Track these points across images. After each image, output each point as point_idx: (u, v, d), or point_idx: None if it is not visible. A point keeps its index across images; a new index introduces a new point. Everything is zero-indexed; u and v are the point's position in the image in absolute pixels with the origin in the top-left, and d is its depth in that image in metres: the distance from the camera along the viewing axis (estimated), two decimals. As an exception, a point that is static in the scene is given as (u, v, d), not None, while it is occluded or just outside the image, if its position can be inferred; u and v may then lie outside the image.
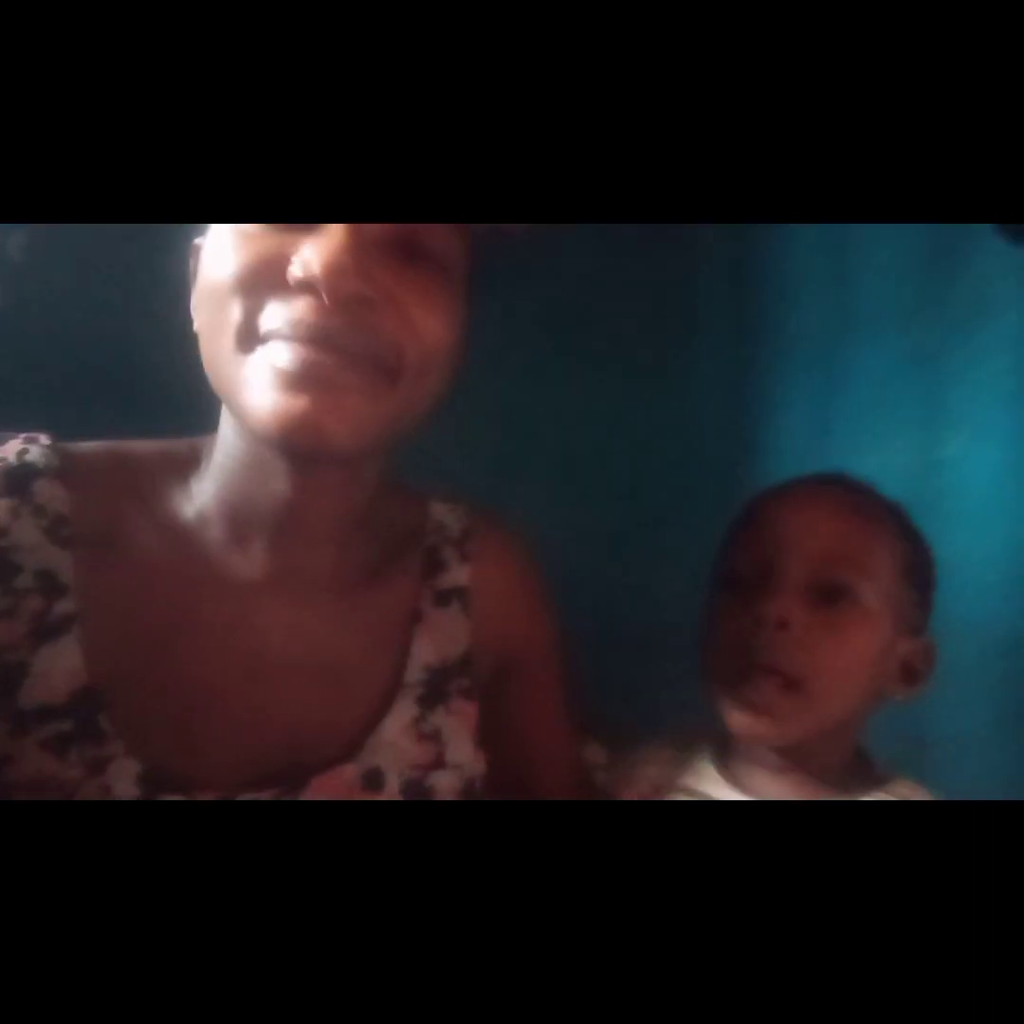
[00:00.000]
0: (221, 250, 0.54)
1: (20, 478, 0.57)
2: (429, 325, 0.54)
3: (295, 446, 0.52)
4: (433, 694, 0.63)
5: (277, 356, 0.51)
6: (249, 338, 0.53)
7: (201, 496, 0.61)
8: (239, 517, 0.60)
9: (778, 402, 1.23)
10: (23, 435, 0.60)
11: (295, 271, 0.51)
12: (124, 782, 0.53)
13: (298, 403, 0.51)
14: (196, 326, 0.58)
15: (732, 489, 1.26)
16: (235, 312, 0.52)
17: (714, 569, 0.73)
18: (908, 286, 1.11)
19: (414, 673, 0.63)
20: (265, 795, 0.56)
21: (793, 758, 0.69)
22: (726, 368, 1.26)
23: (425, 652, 0.64)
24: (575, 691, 0.75)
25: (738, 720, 0.67)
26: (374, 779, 0.59)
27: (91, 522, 0.58)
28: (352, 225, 0.52)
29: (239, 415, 0.54)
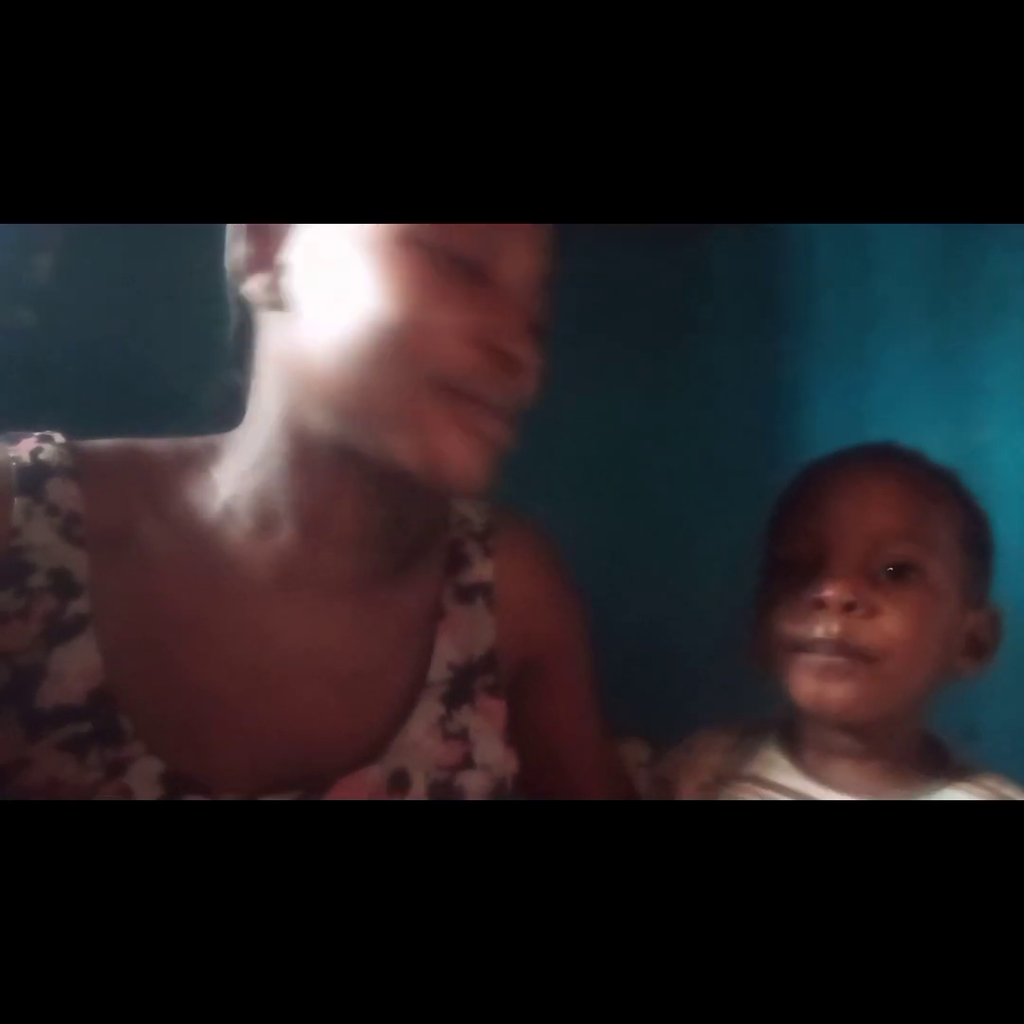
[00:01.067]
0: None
1: (34, 477, 0.57)
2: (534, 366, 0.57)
3: (440, 482, 0.55)
4: (458, 692, 0.63)
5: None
6: (446, 385, 0.55)
7: (227, 487, 0.60)
8: (271, 511, 0.59)
9: (806, 398, 1.21)
10: (37, 434, 0.60)
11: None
12: (146, 783, 0.52)
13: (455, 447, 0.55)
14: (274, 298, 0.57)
15: (762, 486, 1.25)
16: (441, 353, 0.54)
17: (766, 550, 0.70)
18: (932, 279, 1.10)
19: (438, 671, 0.63)
20: (287, 796, 0.55)
21: (865, 741, 0.66)
22: (753, 365, 1.25)
23: (449, 649, 0.64)
24: (602, 692, 0.75)
25: (808, 688, 0.64)
26: (400, 780, 0.58)
27: (105, 521, 0.58)
28: None
29: (374, 438, 0.56)
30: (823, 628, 0.63)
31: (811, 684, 0.63)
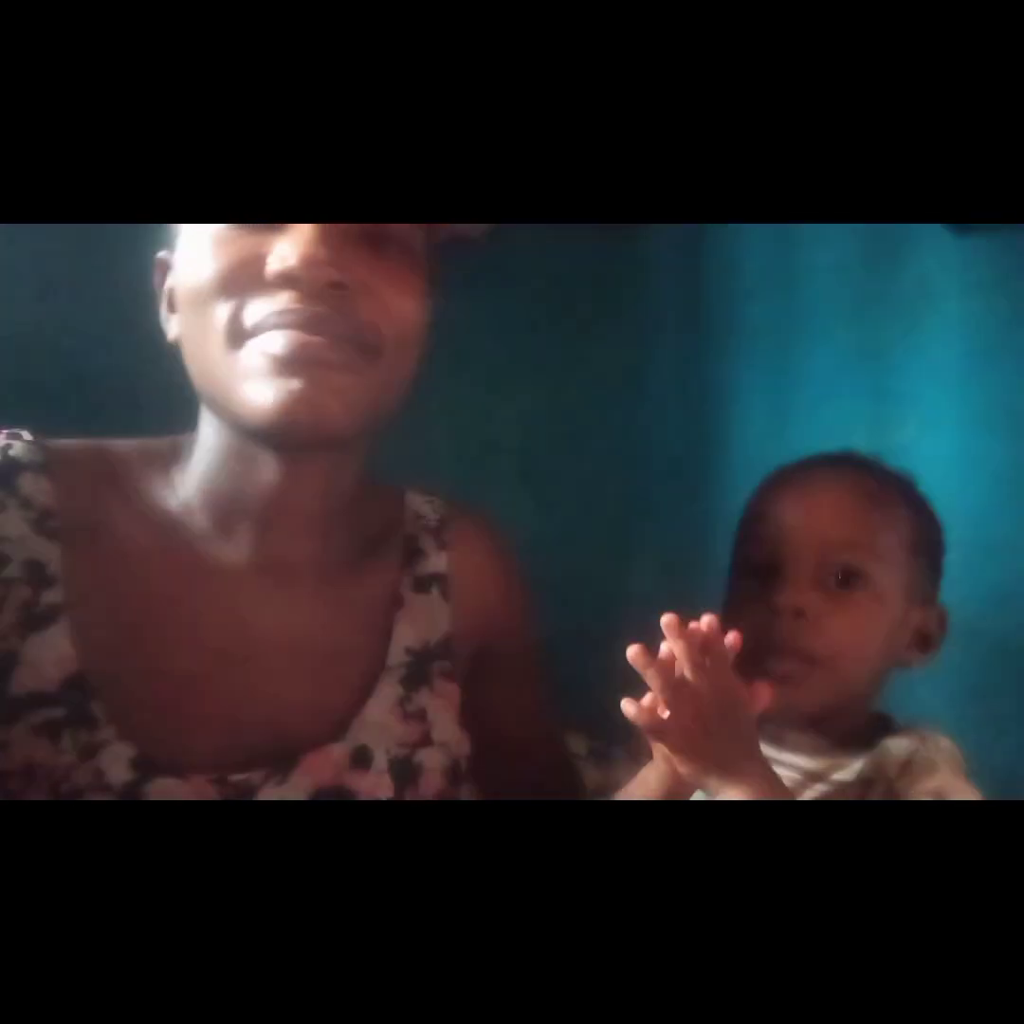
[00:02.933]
0: (197, 256, 0.56)
1: (5, 473, 0.59)
2: (402, 305, 0.58)
3: (295, 427, 0.55)
4: (416, 675, 0.65)
5: (269, 345, 0.54)
6: (237, 335, 0.55)
7: (185, 488, 0.63)
8: (223, 508, 0.62)
9: (734, 398, 1.25)
10: (6, 431, 0.62)
11: (273, 266, 0.54)
12: (117, 766, 0.54)
13: (296, 384, 0.54)
14: (173, 335, 0.61)
15: (691, 485, 1.29)
16: (220, 313, 0.55)
17: (732, 555, 0.74)
18: (854, 282, 1.14)
19: (397, 656, 0.65)
20: (256, 775, 0.57)
21: (817, 726, 0.70)
22: (682, 365, 1.29)
23: (406, 636, 0.66)
24: (549, 684, 0.76)
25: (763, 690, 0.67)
26: (362, 756, 0.60)
27: (76, 514, 0.59)
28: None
29: (233, 410, 0.57)
30: (776, 633, 0.67)
31: (766, 687, 0.66)
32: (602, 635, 1.07)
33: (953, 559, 0.74)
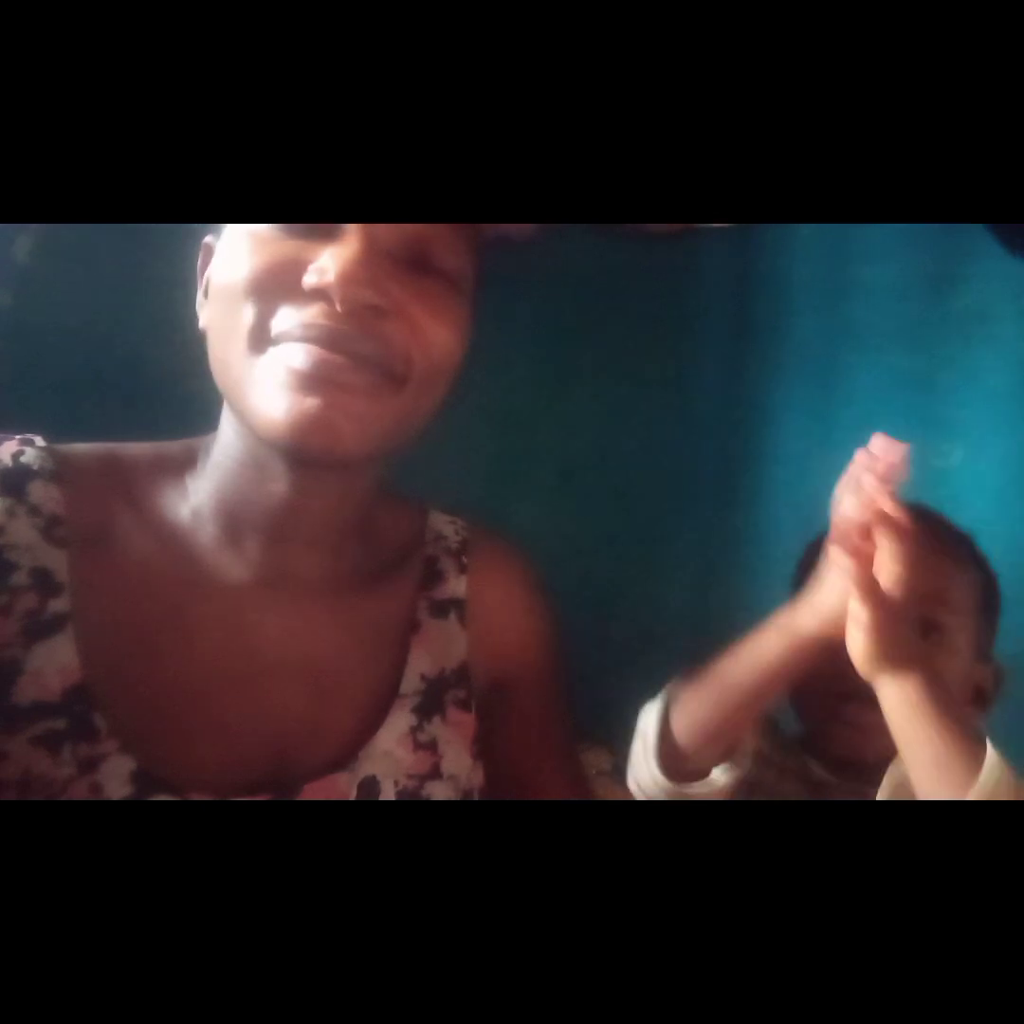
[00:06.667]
0: (236, 252, 0.55)
1: (16, 479, 0.58)
2: (437, 336, 0.57)
3: (305, 445, 0.54)
4: (429, 704, 0.63)
5: (291, 357, 0.53)
6: (261, 340, 0.54)
7: (197, 495, 0.62)
8: (233, 516, 0.61)
9: (777, 411, 1.23)
10: (18, 437, 0.61)
11: (310, 279, 0.53)
12: (116, 780, 0.53)
13: (310, 402, 0.53)
14: (202, 324, 0.60)
15: (731, 497, 1.27)
16: (248, 313, 0.54)
17: (794, 590, 0.74)
18: (907, 301, 1.11)
19: (411, 683, 0.63)
20: (256, 796, 0.55)
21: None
22: (725, 376, 1.27)
23: (422, 662, 0.64)
24: (573, 698, 0.75)
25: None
26: (370, 788, 0.59)
27: (85, 523, 0.59)
28: (366, 236, 0.53)
29: (246, 415, 0.56)
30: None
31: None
32: (633, 647, 1.07)
33: (1006, 581, 0.75)
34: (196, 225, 0.60)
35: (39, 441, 0.61)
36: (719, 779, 0.70)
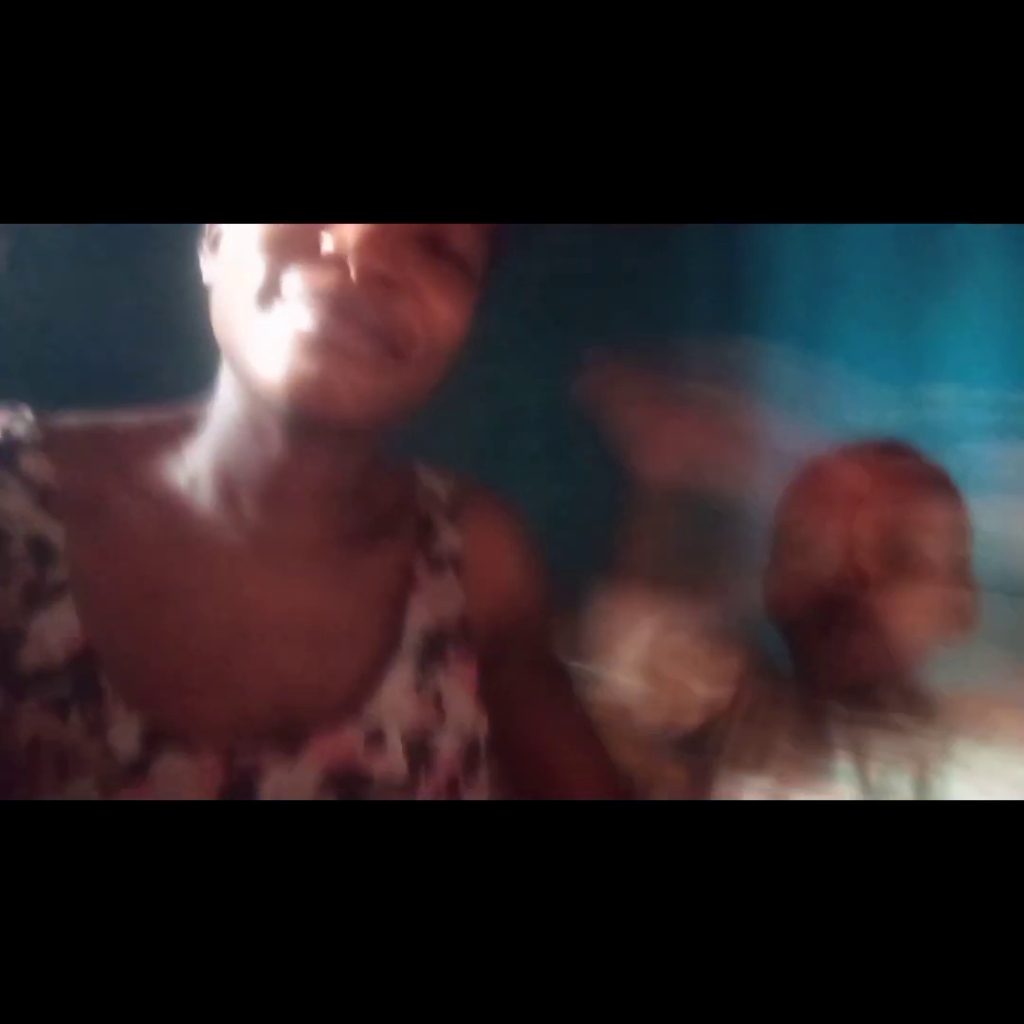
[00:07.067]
0: None
1: (7, 452, 0.59)
2: (443, 316, 0.58)
3: (302, 408, 0.54)
4: (431, 657, 0.64)
5: (298, 319, 0.54)
6: (270, 296, 0.55)
7: (194, 460, 0.62)
8: (231, 479, 0.61)
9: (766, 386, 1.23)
10: (6, 410, 0.61)
11: (328, 245, 0.54)
12: (127, 740, 0.54)
13: (312, 366, 0.54)
14: (207, 278, 0.61)
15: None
16: (260, 268, 0.55)
17: (777, 527, 0.79)
18: (885, 250, 1.12)
19: (411, 636, 0.64)
20: (266, 756, 0.56)
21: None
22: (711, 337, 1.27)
23: (421, 616, 0.65)
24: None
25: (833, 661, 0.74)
26: (377, 739, 0.60)
27: (78, 493, 0.59)
28: None
29: (246, 373, 0.56)
30: (836, 598, 0.74)
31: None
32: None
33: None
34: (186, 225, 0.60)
35: (27, 413, 0.61)
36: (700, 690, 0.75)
